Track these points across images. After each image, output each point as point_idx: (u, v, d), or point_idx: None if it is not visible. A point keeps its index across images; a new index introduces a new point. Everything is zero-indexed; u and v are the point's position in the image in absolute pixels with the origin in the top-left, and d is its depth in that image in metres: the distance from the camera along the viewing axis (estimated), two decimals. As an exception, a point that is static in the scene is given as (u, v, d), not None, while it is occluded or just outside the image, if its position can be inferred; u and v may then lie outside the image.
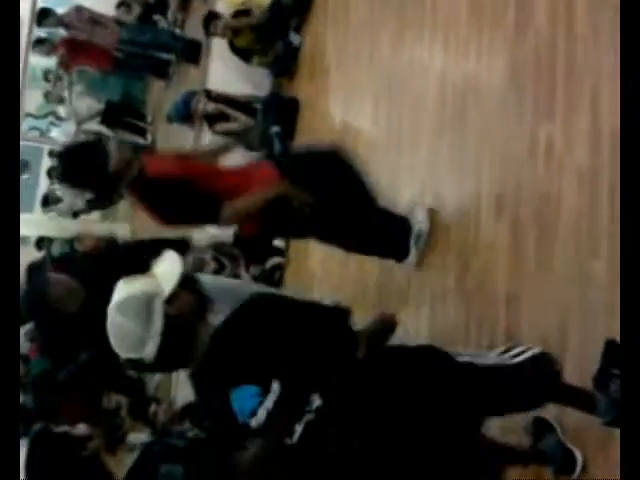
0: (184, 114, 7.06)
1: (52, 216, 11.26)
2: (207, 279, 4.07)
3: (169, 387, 6.83)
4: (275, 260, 6.23)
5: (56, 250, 9.29)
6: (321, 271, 5.69)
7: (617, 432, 2.48)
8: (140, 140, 9.46)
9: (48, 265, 5.79)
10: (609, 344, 2.64)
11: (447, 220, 4.09)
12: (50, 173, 11.90)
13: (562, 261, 3.14)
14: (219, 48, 7.52)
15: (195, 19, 8.97)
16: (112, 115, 9.57)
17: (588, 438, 2.82)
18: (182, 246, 5.72)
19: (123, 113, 9.85)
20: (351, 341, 2.36)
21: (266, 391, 2.22)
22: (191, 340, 2.32)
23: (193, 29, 8.96)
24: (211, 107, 6.85)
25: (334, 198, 3.81)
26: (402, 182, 4.60)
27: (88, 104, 9.66)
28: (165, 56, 8.73)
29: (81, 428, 5.38)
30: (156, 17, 9.32)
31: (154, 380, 6.91)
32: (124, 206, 10.86)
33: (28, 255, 10.33)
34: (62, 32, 8.78)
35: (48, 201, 11.28)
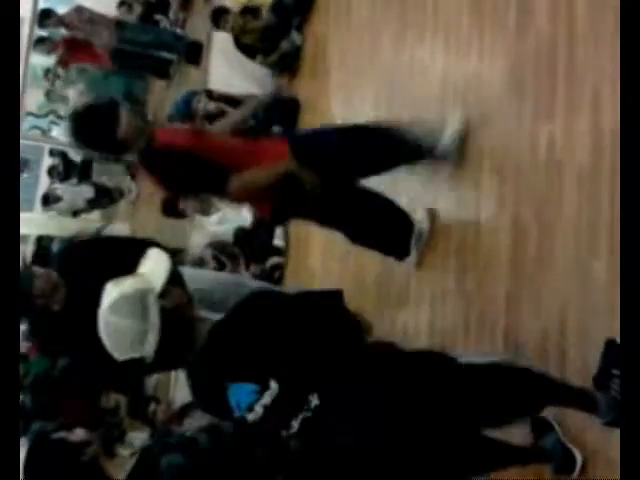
0: (185, 113, 7.05)
1: (52, 215, 11.26)
2: (188, 271, 4.06)
3: (168, 387, 6.84)
4: (275, 259, 6.23)
5: (56, 249, 9.28)
6: (321, 270, 5.69)
7: (617, 432, 2.48)
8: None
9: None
10: (609, 344, 2.64)
11: (447, 220, 4.09)
12: (50, 172, 11.91)
13: (562, 261, 3.13)
14: (219, 48, 7.51)
15: (196, 19, 8.98)
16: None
17: (588, 438, 2.81)
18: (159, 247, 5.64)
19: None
20: (348, 321, 2.38)
21: (264, 389, 2.22)
22: (189, 334, 2.31)
23: (194, 29, 8.97)
24: (212, 106, 6.85)
25: (341, 177, 3.79)
26: (402, 182, 4.59)
27: (89, 103, 9.65)
28: (166, 55, 8.74)
29: (79, 434, 5.35)
30: (158, 17, 9.32)
31: (153, 380, 6.90)
32: (124, 206, 10.89)
33: (28, 255, 10.36)
34: (63, 32, 8.81)
35: (48, 200, 11.26)
